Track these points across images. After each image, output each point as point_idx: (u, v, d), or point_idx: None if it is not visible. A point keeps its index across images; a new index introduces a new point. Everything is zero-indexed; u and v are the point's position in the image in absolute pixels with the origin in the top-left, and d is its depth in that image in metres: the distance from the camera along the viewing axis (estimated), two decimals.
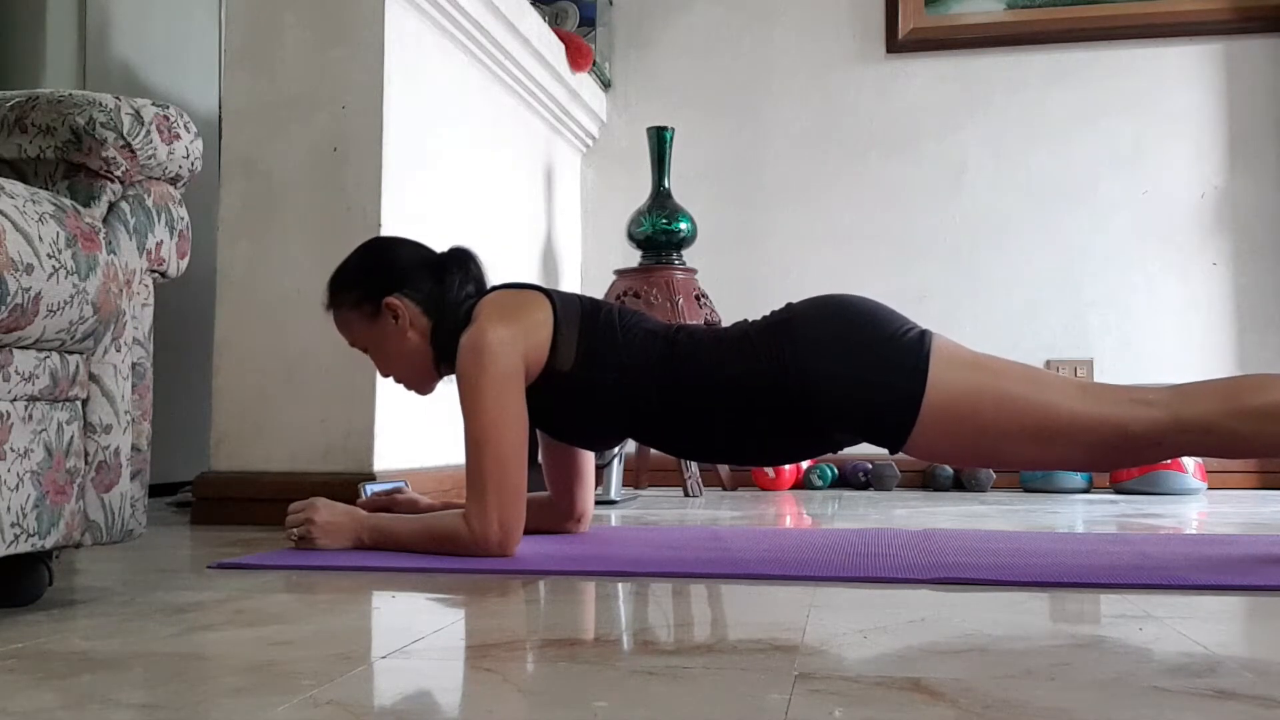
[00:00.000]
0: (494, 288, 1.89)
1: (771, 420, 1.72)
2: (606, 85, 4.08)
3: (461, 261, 1.90)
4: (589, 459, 2.06)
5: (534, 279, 3.60)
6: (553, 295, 1.82)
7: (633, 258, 3.63)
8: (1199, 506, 2.95)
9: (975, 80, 3.90)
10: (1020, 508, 2.87)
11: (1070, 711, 0.84)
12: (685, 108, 4.00)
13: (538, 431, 1.90)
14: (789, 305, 1.81)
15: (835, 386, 1.67)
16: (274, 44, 2.54)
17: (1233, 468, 3.60)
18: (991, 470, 3.56)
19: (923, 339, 1.68)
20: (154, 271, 1.45)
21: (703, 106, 4.01)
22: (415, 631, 1.17)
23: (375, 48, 2.48)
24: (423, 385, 1.93)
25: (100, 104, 1.37)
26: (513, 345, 1.73)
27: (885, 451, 3.55)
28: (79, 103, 1.37)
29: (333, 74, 2.50)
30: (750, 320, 1.83)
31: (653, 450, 3.67)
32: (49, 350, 1.27)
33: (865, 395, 1.67)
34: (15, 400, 1.23)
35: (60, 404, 1.30)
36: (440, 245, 1.88)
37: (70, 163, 1.38)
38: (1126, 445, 1.61)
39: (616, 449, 2.97)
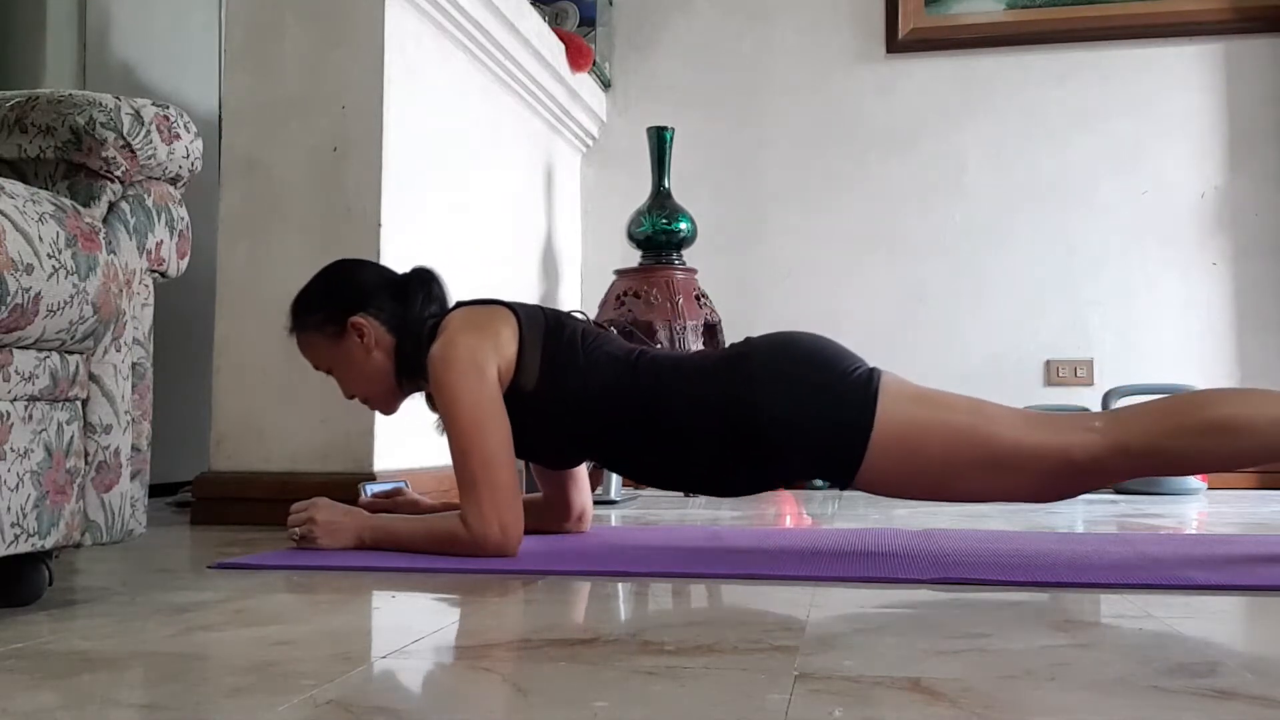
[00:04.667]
0: (458, 304, 1.90)
1: (724, 451, 1.74)
2: (606, 85, 4.08)
3: (424, 281, 1.91)
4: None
5: (534, 279, 3.60)
6: (517, 310, 1.83)
7: (633, 258, 3.63)
8: (1199, 506, 2.95)
9: (975, 80, 3.90)
10: (1020, 508, 2.87)
11: (1070, 711, 0.84)
12: (685, 108, 4.00)
13: None
14: (748, 339, 1.83)
15: (786, 422, 1.70)
16: (274, 44, 2.54)
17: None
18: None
19: (870, 376, 1.71)
20: (154, 271, 1.45)
21: (703, 106, 4.01)
22: (415, 631, 1.17)
23: (375, 48, 2.48)
24: (387, 404, 1.94)
25: (100, 104, 1.37)
26: (484, 352, 1.74)
27: None
28: (79, 103, 1.37)
29: (333, 74, 2.50)
30: (711, 351, 1.85)
31: None
32: (49, 350, 1.27)
33: (815, 431, 1.69)
34: (15, 400, 1.23)
35: (60, 404, 1.30)
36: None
37: (70, 163, 1.38)
38: (1071, 472, 1.63)
39: None
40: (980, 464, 1.65)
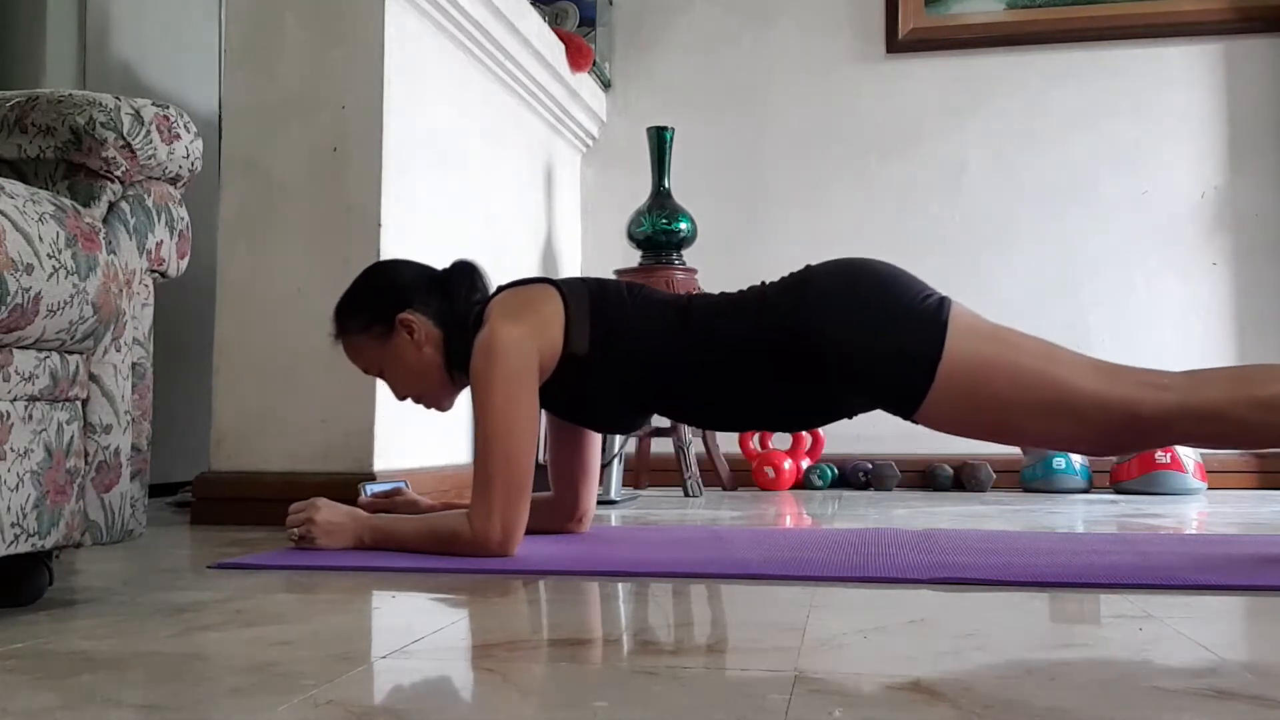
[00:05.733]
0: (501, 288, 1.90)
1: (786, 382, 1.71)
2: (606, 85, 4.08)
3: (466, 273, 1.91)
4: (595, 459, 2.06)
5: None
6: (560, 285, 1.83)
7: (633, 258, 3.63)
8: (1199, 506, 2.95)
9: (975, 80, 3.90)
10: (1020, 508, 2.87)
11: (1070, 712, 0.84)
12: (685, 108, 4.00)
13: (544, 430, 1.90)
14: (808, 266, 1.80)
15: (851, 347, 1.67)
16: (274, 44, 2.54)
17: (1232, 468, 3.60)
18: (991, 470, 3.56)
19: (941, 305, 1.68)
20: (154, 271, 1.45)
21: (703, 106, 4.01)
22: (415, 631, 1.17)
23: (375, 48, 2.48)
24: (441, 400, 1.93)
25: (100, 104, 1.37)
26: (525, 344, 1.73)
27: (886, 451, 3.52)
28: (79, 103, 1.37)
29: (333, 74, 2.50)
30: (766, 283, 1.83)
31: (653, 450, 3.68)
32: (49, 350, 1.27)
33: (881, 358, 1.66)
34: (15, 400, 1.23)
35: (60, 404, 1.30)
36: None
37: (70, 163, 1.38)
38: (1136, 427, 1.61)
39: (618, 449, 2.97)
40: (1045, 409, 1.62)
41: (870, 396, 1.73)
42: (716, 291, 1.89)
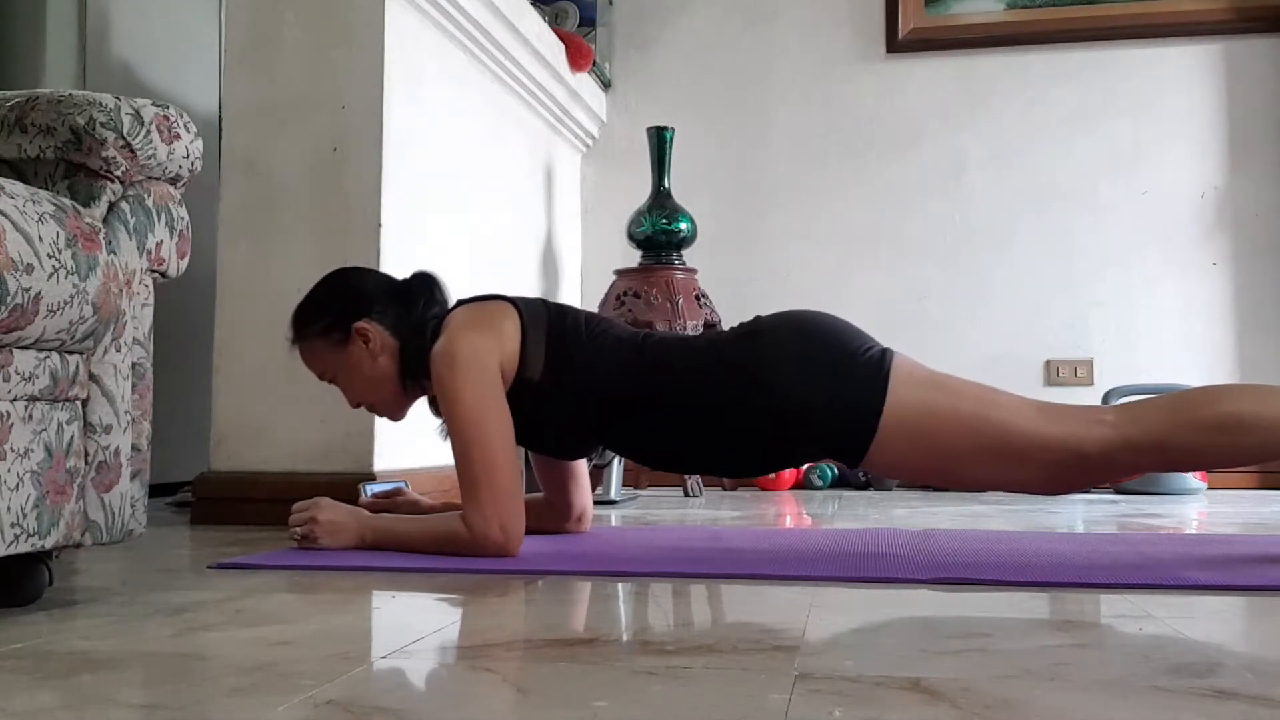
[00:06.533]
0: (460, 302, 1.90)
1: (734, 430, 1.73)
2: (606, 85, 4.07)
3: (426, 284, 1.91)
4: (578, 461, 2.06)
5: (534, 279, 3.60)
6: (518, 303, 1.83)
7: (633, 258, 3.63)
8: (1199, 506, 2.95)
9: (975, 80, 3.90)
10: (1020, 508, 2.87)
11: (1070, 712, 0.84)
12: (685, 108, 4.00)
13: None
14: (757, 318, 1.83)
15: (796, 399, 1.69)
16: (274, 44, 2.54)
17: (1233, 468, 3.60)
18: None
19: (883, 357, 1.70)
20: (154, 271, 1.45)
21: (703, 106, 4.01)
22: (415, 631, 1.17)
23: (375, 48, 2.48)
24: (393, 410, 1.93)
25: (100, 104, 1.37)
26: (486, 349, 1.74)
27: None
28: (79, 103, 1.37)
29: (332, 74, 2.50)
30: (720, 331, 1.84)
31: None
32: (49, 350, 1.27)
33: (826, 409, 1.68)
34: (15, 400, 1.23)
35: (60, 404, 1.30)
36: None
37: (70, 163, 1.38)
38: (1081, 465, 1.62)
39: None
40: (989, 452, 1.64)
41: (816, 446, 1.75)
42: (673, 334, 1.91)
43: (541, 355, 1.77)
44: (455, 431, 1.72)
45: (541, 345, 1.78)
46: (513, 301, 1.83)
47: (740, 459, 1.80)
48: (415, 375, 1.84)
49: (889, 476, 1.76)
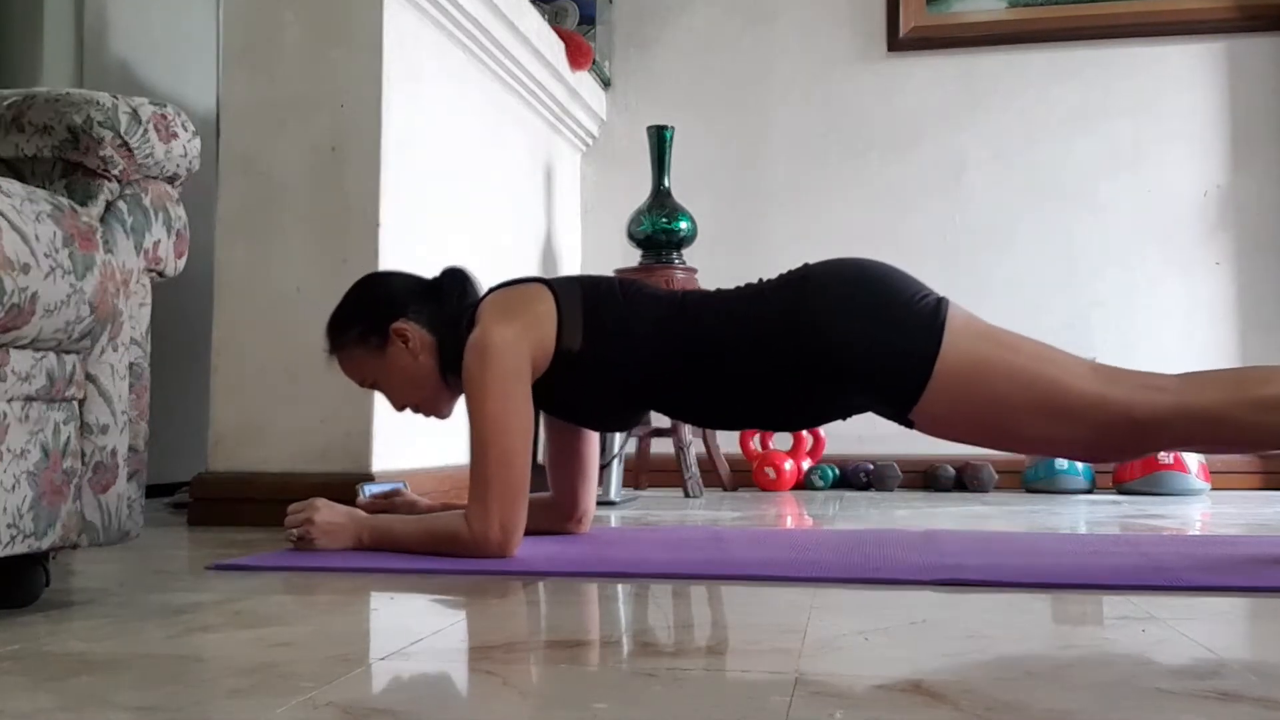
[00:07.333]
0: (493, 288, 1.89)
1: (782, 379, 1.71)
2: (606, 84, 4.07)
3: (457, 279, 1.92)
4: (594, 458, 2.05)
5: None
6: (551, 282, 1.82)
7: (633, 257, 3.63)
8: (1202, 507, 2.95)
9: (976, 79, 3.90)
10: (1022, 508, 2.86)
11: (1072, 713, 0.83)
12: (685, 107, 3.99)
13: (542, 429, 1.89)
14: (806, 265, 1.80)
15: (849, 344, 1.67)
16: (273, 43, 2.53)
17: (1236, 469, 3.60)
18: (993, 470, 3.56)
19: (939, 306, 1.68)
20: (151, 271, 1.45)
21: (703, 106, 4.01)
22: (414, 633, 1.17)
23: (374, 47, 2.48)
24: (439, 407, 1.92)
25: (97, 103, 1.36)
26: (516, 344, 1.72)
27: (887, 451, 3.51)
28: (76, 101, 1.36)
29: (332, 73, 2.49)
30: (764, 279, 1.82)
31: (653, 450, 3.68)
32: (46, 350, 1.27)
33: (879, 355, 1.66)
34: (12, 400, 1.23)
35: (57, 404, 1.29)
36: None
37: (67, 162, 1.37)
38: (1133, 429, 1.60)
39: (618, 449, 2.96)
40: (1041, 408, 1.62)
41: (866, 394, 1.72)
42: (713, 290, 1.89)
43: (579, 325, 1.76)
44: (476, 426, 1.71)
45: (578, 315, 1.76)
46: (546, 282, 1.82)
47: (786, 409, 1.77)
48: (456, 370, 1.81)
49: (937, 434, 1.73)
